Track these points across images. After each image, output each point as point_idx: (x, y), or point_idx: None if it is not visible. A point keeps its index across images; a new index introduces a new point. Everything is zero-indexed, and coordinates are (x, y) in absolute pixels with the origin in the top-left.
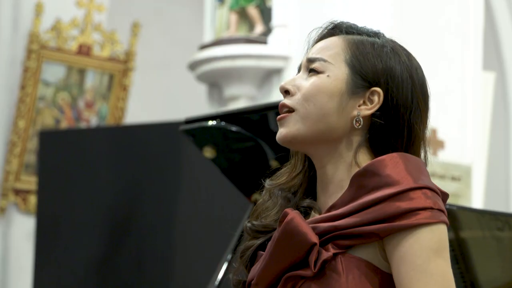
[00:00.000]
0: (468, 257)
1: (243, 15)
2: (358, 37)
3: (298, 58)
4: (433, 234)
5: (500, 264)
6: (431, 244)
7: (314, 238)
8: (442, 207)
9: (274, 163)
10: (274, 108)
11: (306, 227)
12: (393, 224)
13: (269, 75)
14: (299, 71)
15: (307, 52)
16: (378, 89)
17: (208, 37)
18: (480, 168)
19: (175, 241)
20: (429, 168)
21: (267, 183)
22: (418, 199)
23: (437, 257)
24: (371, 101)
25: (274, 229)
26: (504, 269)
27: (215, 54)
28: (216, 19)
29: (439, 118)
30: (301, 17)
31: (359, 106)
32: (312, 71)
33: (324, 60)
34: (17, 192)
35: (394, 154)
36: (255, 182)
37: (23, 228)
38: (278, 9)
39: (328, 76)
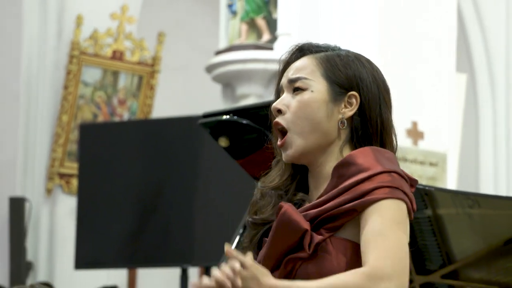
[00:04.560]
0: (443, 231)
1: (252, 25)
2: (324, 53)
3: None
4: (396, 209)
5: (471, 237)
6: (393, 217)
7: (306, 225)
8: (405, 189)
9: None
10: None
11: (298, 215)
12: (365, 199)
13: (275, 76)
14: (278, 92)
15: (281, 73)
16: (354, 92)
17: (222, 44)
18: (454, 155)
19: (195, 212)
20: (411, 156)
21: (260, 185)
22: (386, 180)
23: (397, 228)
24: (351, 104)
25: (272, 221)
26: (474, 241)
27: (229, 59)
28: (229, 29)
29: (419, 113)
30: (302, 27)
31: (341, 110)
32: (297, 90)
33: (305, 78)
34: (62, 176)
35: (366, 148)
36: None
37: (66, 206)
38: (282, 20)
39: (312, 91)
